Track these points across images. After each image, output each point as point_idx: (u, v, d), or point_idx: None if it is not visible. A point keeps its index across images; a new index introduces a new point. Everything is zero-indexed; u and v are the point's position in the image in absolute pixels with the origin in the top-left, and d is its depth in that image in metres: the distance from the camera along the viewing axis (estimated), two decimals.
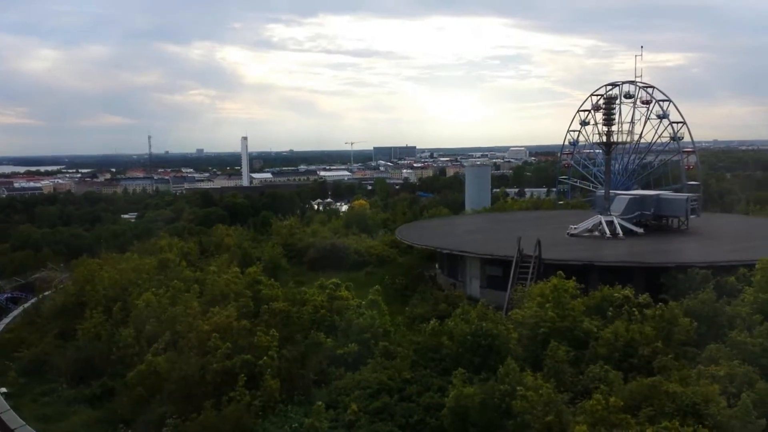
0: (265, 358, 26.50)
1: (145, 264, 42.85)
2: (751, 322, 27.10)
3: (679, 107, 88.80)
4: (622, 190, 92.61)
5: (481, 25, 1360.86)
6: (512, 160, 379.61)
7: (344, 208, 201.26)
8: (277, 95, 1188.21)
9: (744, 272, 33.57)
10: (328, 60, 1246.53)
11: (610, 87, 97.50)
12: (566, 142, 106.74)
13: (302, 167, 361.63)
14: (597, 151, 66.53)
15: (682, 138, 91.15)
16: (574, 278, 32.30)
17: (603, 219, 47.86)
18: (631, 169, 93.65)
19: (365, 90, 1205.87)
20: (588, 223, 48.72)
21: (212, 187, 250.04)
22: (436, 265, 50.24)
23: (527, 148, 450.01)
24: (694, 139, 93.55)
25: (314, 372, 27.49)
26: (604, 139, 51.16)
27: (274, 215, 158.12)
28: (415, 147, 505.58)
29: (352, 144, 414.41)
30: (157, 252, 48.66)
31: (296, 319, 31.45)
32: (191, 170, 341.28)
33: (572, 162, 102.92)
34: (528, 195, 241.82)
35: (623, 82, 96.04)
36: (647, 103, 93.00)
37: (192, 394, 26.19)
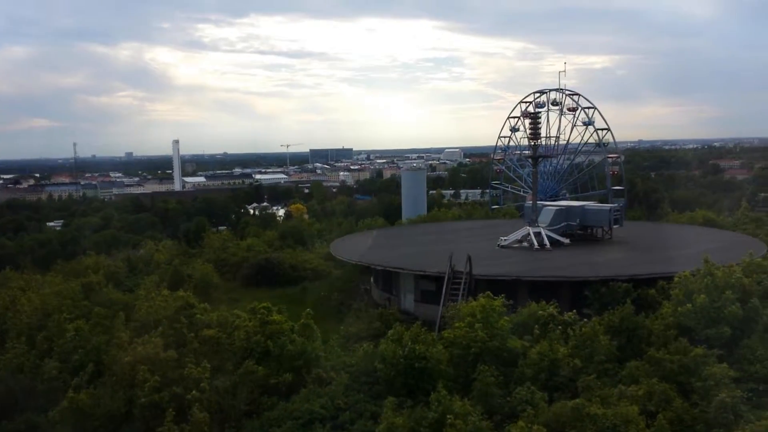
0: (194, 391, 25.96)
1: (69, 289, 41.28)
2: (668, 337, 28.40)
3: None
4: (551, 194, 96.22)
5: (413, 27, 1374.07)
6: (447, 161, 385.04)
7: (281, 212, 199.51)
8: (210, 97, 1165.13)
9: (663, 285, 35.24)
10: (261, 61, 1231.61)
11: (538, 94, 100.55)
12: (497, 149, 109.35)
13: (237, 170, 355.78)
14: (527, 159, 68.25)
15: (607, 144, 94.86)
16: (503, 295, 33.15)
17: (531, 230, 49.22)
18: (561, 171, 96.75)
19: (300, 91, 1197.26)
20: (517, 235, 49.98)
21: (143, 192, 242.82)
22: (371, 279, 50.47)
23: (462, 149, 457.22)
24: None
25: (246, 403, 27.16)
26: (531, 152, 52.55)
27: (209, 221, 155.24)
28: (351, 149, 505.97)
29: (288, 146, 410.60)
30: (82, 272, 47.00)
31: (228, 347, 30.99)
32: (120, 175, 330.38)
33: (503, 168, 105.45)
34: (463, 197, 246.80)
35: (550, 90, 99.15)
36: (573, 110, 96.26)
37: None
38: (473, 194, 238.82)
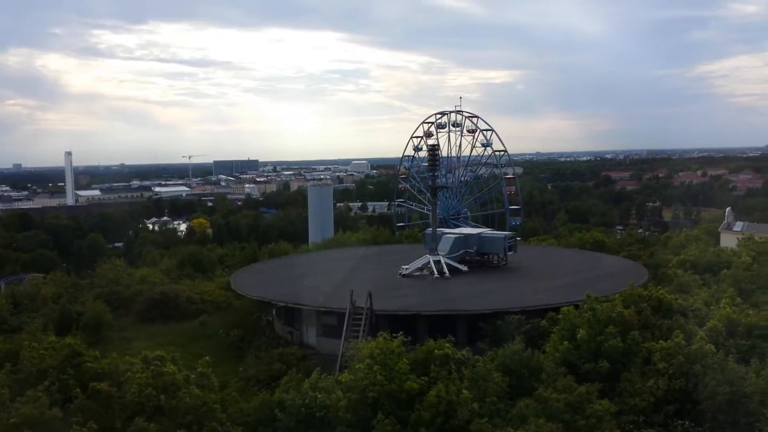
0: None
1: None
2: (557, 374, 29.75)
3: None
4: (453, 212, 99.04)
5: (319, 39, 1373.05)
6: (355, 173, 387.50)
7: (182, 226, 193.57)
8: (106, 105, 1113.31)
9: (553, 316, 36.89)
10: (162, 69, 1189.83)
11: (440, 115, 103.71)
12: (402, 167, 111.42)
13: (135, 183, 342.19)
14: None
15: (504, 165, 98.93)
16: (401, 333, 33.74)
17: (431, 259, 50.40)
18: (462, 191, 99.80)
19: (204, 101, 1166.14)
20: (418, 263, 51.02)
21: (32, 207, 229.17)
22: (274, 311, 49.92)
23: (369, 160, 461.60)
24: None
25: None
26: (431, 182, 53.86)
27: (104, 238, 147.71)
28: (257, 160, 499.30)
29: (190, 157, 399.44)
30: None
31: (118, 400, 29.67)
32: (7, 188, 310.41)
33: (408, 186, 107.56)
34: (371, 209, 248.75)
35: (451, 112, 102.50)
36: (472, 132, 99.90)
37: None
38: (380, 206, 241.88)
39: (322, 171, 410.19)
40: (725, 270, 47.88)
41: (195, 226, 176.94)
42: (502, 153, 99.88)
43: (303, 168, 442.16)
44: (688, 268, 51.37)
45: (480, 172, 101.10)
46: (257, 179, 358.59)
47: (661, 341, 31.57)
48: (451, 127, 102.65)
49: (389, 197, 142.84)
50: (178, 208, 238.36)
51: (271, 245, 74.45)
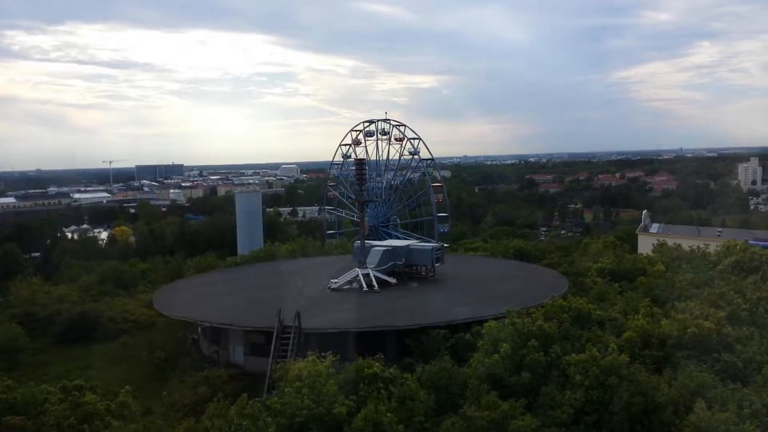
0: None
1: None
2: (480, 390, 30.41)
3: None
4: (382, 219, 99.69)
5: (245, 41, 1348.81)
6: (284, 177, 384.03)
7: (104, 235, 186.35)
8: (20, 108, 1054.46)
9: (477, 329, 37.67)
10: (79, 71, 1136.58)
11: (368, 124, 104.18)
12: (331, 174, 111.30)
13: (52, 189, 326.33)
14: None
15: (432, 173, 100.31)
16: (330, 353, 33.78)
17: (360, 272, 50.59)
18: (392, 199, 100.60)
19: (124, 104, 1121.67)
20: (347, 277, 51.11)
21: None
22: (199, 330, 48.87)
23: (299, 165, 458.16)
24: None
25: None
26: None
27: (19, 248, 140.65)
28: (182, 165, 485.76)
29: (111, 162, 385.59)
30: None
31: None
32: None
33: (337, 194, 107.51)
34: (301, 214, 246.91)
35: (378, 120, 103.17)
36: (400, 140, 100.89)
37: None
38: (311, 211, 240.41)
39: (250, 175, 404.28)
40: (641, 277, 50.30)
41: (117, 234, 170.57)
42: (429, 161, 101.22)
43: (231, 172, 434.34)
44: (606, 275, 53.67)
45: (409, 176, 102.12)
46: (183, 184, 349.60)
47: (573, 354, 32.68)
48: (379, 135, 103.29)
49: (320, 202, 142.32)
50: (98, 215, 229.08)
51: (198, 258, 72.69)
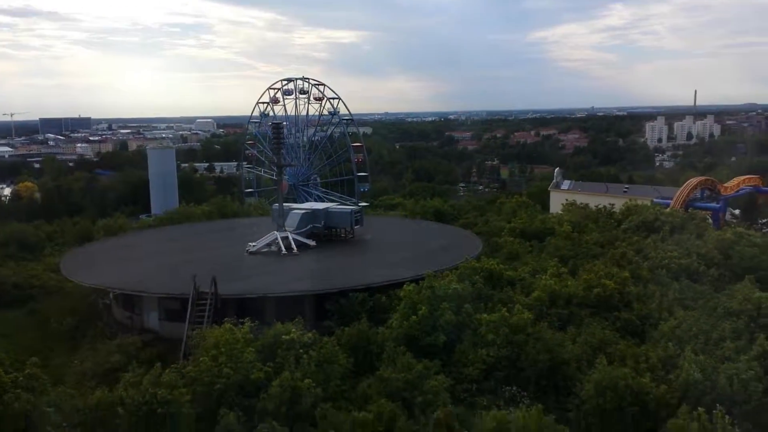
0: None
1: None
2: (396, 352, 31.25)
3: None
4: (303, 178, 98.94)
5: None
6: (200, 132, 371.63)
7: (7, 191, 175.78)
8: None
9: (394, 292, 38.41)
10: None
11: (286, 82, 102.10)
12: (248, 133, 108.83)
13: None
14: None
15: (352, 133, 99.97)
16: (248, 319, 33.71)
17: (279, 235, 50.22)
18: (312, 158, 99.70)
19: (26, 53, 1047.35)
20: (266, 240, 50.63)
21: None
22: (111, 295, 47.37)
23: (215, 119, 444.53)
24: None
25: None
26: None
27: None
28: (90, 118, 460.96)
29: (12, 115, 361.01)
30: None
31: None
32: None
33: (256, 152, 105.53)
34: (218, 170, 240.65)
35: (297, 78, 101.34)
36: (319, 100, 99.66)
37: None
38: (228, 167, 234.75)
39: (163, 129, 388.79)
40: (549, 238, 52.50)
41: (21, 190, 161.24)
42: (348, 120, 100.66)
43: (143, 126, 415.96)
44: (518, 235, 55.72)
45: (329, 134, 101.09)
46: (90, 138, 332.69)
47: (485, 315, 34.06)
48: (297, 94, 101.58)
49: (237, 158, 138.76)
50: (0, 170, 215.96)
51: (108, 219, 69.86)
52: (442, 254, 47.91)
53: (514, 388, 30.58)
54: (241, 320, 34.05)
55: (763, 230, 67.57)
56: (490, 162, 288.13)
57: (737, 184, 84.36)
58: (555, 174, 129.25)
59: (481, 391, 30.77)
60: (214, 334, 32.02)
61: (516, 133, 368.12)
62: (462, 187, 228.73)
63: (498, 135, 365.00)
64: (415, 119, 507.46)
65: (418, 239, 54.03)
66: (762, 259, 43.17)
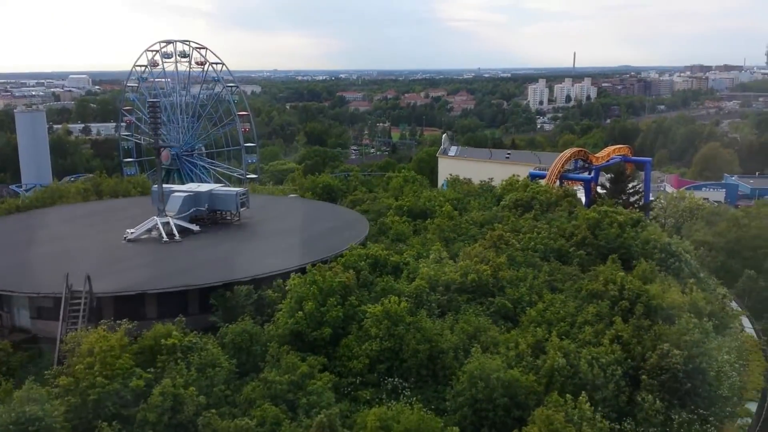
0: None
1: None
2: (280, 353, 31.37)
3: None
4: (186, 147, 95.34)
5: None
6: (74, 89, 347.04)
7: None
8: None
9: (280, 284, 38.32)
10: None
11: (164, 44, 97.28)
12: (125, 96, 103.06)
13: None
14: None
15: (237, 100, 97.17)
16: (126, 320, 32.66)
17: (159, 221, 48.41)
18: (196, 126, 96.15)
19: None
20: (145, 226, 48.63)
21: None
22: None
23: (90, 74, 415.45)
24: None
25: None
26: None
27: None
28: None
29: None
30: None
31: None
32: None
33: (134, 119, 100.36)
34: (95, 131, 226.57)
35: (177, 41, 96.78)
36: (202, 64, 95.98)
37: None
38: (106, 129, 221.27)
39: (34, 86, 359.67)
40: (430, 219, 54.00)
41: None
42: (234, 87, 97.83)
43: (10, 83, 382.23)
44: (404, 213, 56.86)
45: (215, 91, 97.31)
46: None
47: (369, 305, 34.82)
48: (178, 57, 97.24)
49: (115, 118, 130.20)
50: None
51: None
52: (329, 239, 48.14)
53: (396, 380, 31.70)
54: (118, 321, 32.95)
55: (631, 199, 72.56)
56: (381, 124, 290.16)
57: (608, 154, 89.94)
58: (443, 140, 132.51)
59: (365, 384, 31.63)
60: (88, 339, 30.77)
61: (406, 95, 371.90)
62: (354, 150, 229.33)
63: (389, 96, 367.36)
64: (305, 77, 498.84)
65: (306, 222, 53.67)
66: (624, 238, 46.53)
